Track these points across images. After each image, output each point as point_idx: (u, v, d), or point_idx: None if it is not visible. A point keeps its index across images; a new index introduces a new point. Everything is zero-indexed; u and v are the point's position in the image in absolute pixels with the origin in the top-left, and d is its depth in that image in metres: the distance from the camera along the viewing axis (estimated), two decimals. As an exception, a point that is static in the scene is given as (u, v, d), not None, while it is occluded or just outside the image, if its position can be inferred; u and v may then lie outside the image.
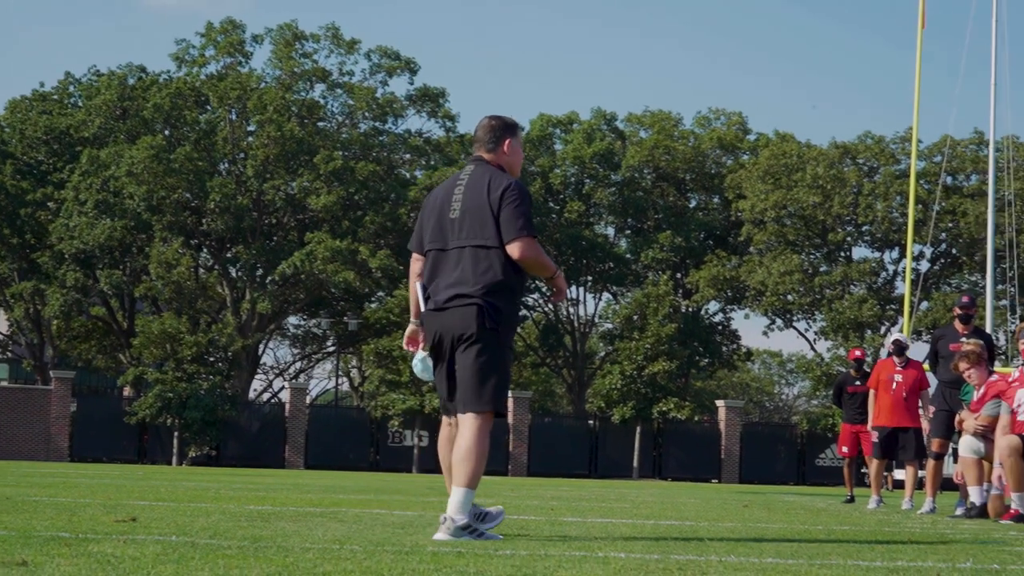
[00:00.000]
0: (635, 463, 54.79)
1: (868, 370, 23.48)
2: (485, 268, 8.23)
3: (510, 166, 8.61)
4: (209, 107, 58.48)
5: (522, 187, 8.41)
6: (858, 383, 22.84)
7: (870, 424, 19.36)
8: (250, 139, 57.47)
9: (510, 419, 53.28)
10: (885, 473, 26.74)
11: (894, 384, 18.91)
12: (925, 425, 18.56)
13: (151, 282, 54.98)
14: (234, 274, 57.78)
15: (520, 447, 53.35)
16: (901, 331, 41.19)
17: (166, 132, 57.69)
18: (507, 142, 8.63)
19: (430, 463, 51.18)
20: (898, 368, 19.03)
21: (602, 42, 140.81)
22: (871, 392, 19.38)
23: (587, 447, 55.33)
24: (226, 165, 58.35)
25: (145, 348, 53.01)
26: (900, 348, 19.35)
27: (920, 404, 18.76)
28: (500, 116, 8.76)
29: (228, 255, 57.64)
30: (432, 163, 59.65)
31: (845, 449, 23.24)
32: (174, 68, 59.18)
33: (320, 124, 59.31)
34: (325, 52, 59.06)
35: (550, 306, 64.21)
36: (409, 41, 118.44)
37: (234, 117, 57.53)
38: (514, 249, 8.17)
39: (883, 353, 48.89)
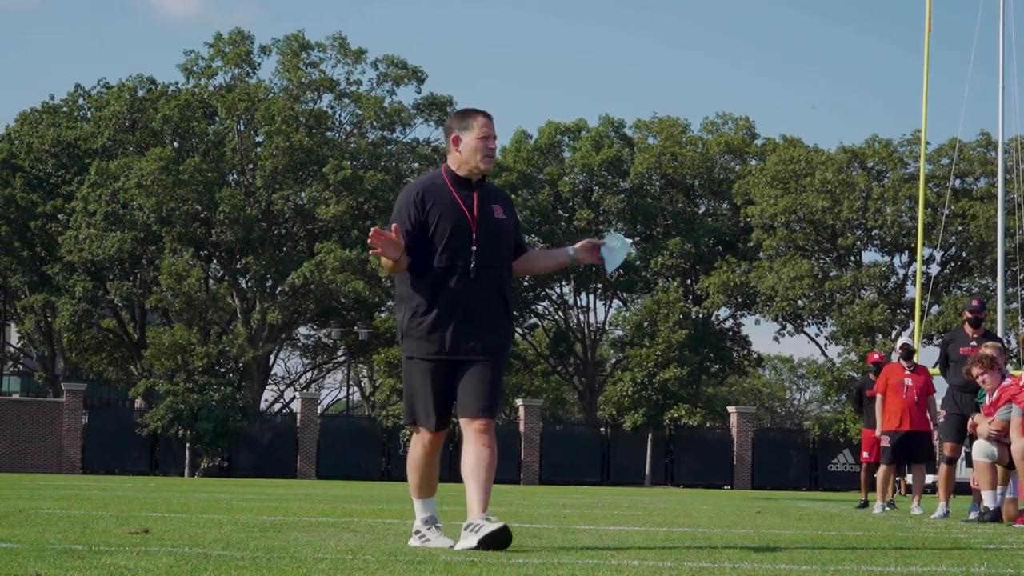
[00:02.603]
0: (647, 470, 54.74)
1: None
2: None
3: (465, 162, 8.08)
4: (217, 118, 58.55)
5: (403, 193, 8.16)
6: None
7: (879, 429, 19.33)
8: (259, 150, 57.52)
9: (521, 427, 53.30)
10: (897, 478, 26.63)
11: (904, 388, 18.89)
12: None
13: (161, 293, 55.02)
14: (244, 285, 57.82)
15: (532, 455, 53.33)
16: (912, 335, 41.14)
17: (175, 143, 57.77)
18: (453, 138, 8.14)
19: (442, 472, 51.05)
20: (907, 372, 19.01)
21: (609, 49, 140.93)
22: (879, 397, 19.35)
23: (599, 454, 55.30)
24: (235, 176, 58.40)
25: (156, 360, 53.06)
26: (908, 352, 19.35)
27: (928, 409, 18.76)
28: (462, 109, 8.31)
29: (238, 266, 57.69)
30: (440, 172, 59.71)
31: (866, 454, 23.09)
32: (182, 79, 59.34)
33: (328, 134, 59.36)
34: (332, 62, 59.15)
35: (560, 314, 64.21)
36: (416, 50, 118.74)
37: (242, 128, 57.61)
38: None
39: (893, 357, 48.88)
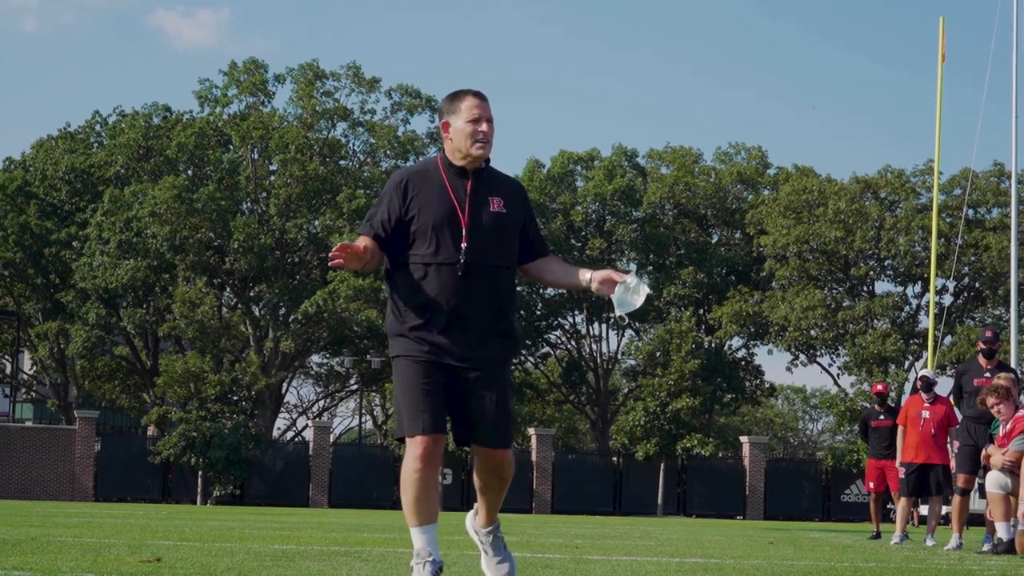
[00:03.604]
0: (659, 500, 54.62)
1: (892, 404, 23.45)
2: None
3: (457, 149, 7.41)
4: (232, 146, 58.69)
5: (389, 181, 7.52)
6: (882, 417, 22.76)
7: (898, 461, 19.31)
8: (272, 178, 57.63)
9: (533, 456, 53.24)
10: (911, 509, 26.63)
11: (921, 420, 18.88)
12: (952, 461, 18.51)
13: (174, 321, 55.07)
14: (257, 313, 57.88)
15: (544, 484, 53.25)
16: (925, 366, 41.06)
17: (189, 172, 57.91)
18: (443, 124, 7.49)
19: (454, 501, 51.10)
20: (926, 404, 19.00)
21: (622, 79, 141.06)
22: (899, 428, 19.34)
23: (611, 484, 55.21)
24: (249, 204, 58.51)
25: (169, 387, 53.09)
26: (928, 384, 19.33)
27: (948, 440, 18.73)
28: (452, 92, 7.60)
29: (251, 294, 57.75)
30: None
31: (871, 484, 23.13)
32: (197, 108, 59.50)
33: (342, 163, 59.46)
34: (346, 91, 59.27)
35: (573, 343, 64.17)
36: (430, 79, 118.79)
37: (256, 156, 57.73)
38: None
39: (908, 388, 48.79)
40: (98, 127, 61.78)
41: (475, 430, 7.35)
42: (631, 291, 7.44)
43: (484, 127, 7.33)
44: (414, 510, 7.26)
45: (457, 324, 7.22)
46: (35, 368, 65.84)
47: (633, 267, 63.52)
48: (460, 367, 7.24)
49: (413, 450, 7.18)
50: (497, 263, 7.33)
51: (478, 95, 7.39)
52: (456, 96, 7.42)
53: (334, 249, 7.06)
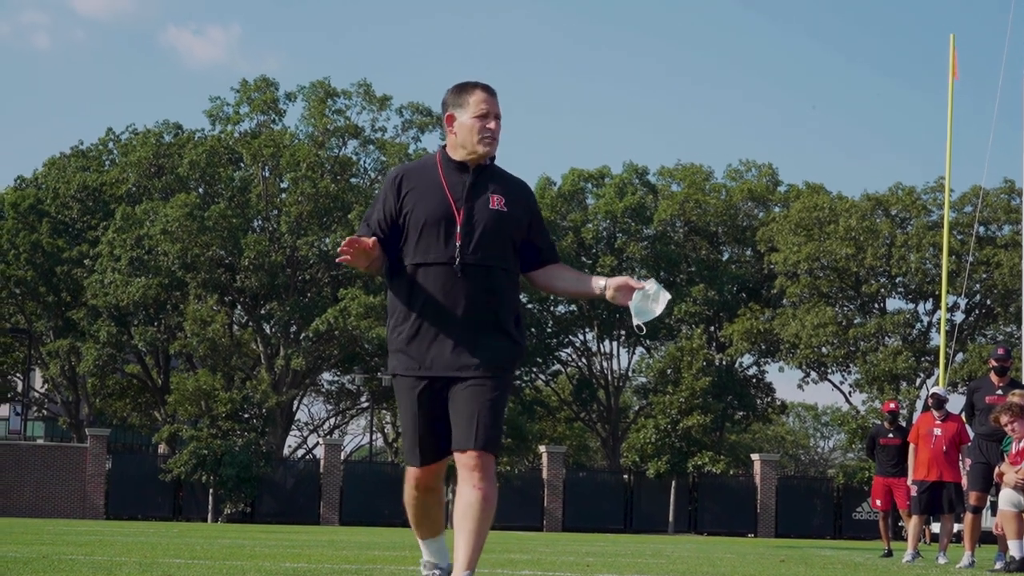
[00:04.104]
0: (671, 517, 54.55)
1: (902, 423, 23.39)
2: None
3: (461, 145, 6.96)
4: (243, 164, 58.77)
5: (385, 180, 7.06)
6: (891, 435, 22.69)
7: (910, 479, 19.27)
8: (283, 196, 57.70)
9: (544, 474, 53.19)
10: (923, 527, 26.54)
11: (933, 438, 18.83)
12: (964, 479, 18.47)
13: (186, 339, 55.12)
14: (268, 331, 57.92)
15: (555, 502, 53.20)
16: (937, 383, 41.02)
17: (200, 189, 58.00)
18: (447, 117, 7.04)
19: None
20: (937, 422, 18.95)
21: (633, 96, 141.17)
22: (911, 446, 19.31)
23: (622, 502, 55.15)
24: (260, 222, 58.58)
25: (180, 405, 53.12)
26: (939, 401, 19.28)
27: (960, 458, 18.68)
28: (457, 84, 7.12)
29: (262, 312, 57.81)
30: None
31: (879, 502, 23.07)
32: (208, 125, 59.59)
33: (353, 180, 59.51)
34: (357, 109, 59.33)
35: (584, 361, 64.16)
36: (440, 97, 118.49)
37: (268, 174, 57.80)
38: None
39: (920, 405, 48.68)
40: (110, 145, 61.93)
41: (456, 435, 6.79)
42: (650, 298, 6.90)
43: (492, 124, 6.92)
44: (416, 526, 7.24)
45: (450, 328, 6.75)
46: (46, 386, 65.92)
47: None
48: (453, 376, 6.77)
49: (410, 478, 7.05)
50: (492, 263, 6.81)
51: (487, 89, 6.98)
52: (463, 88, 6.99)
53: (343, 244, 6.68)
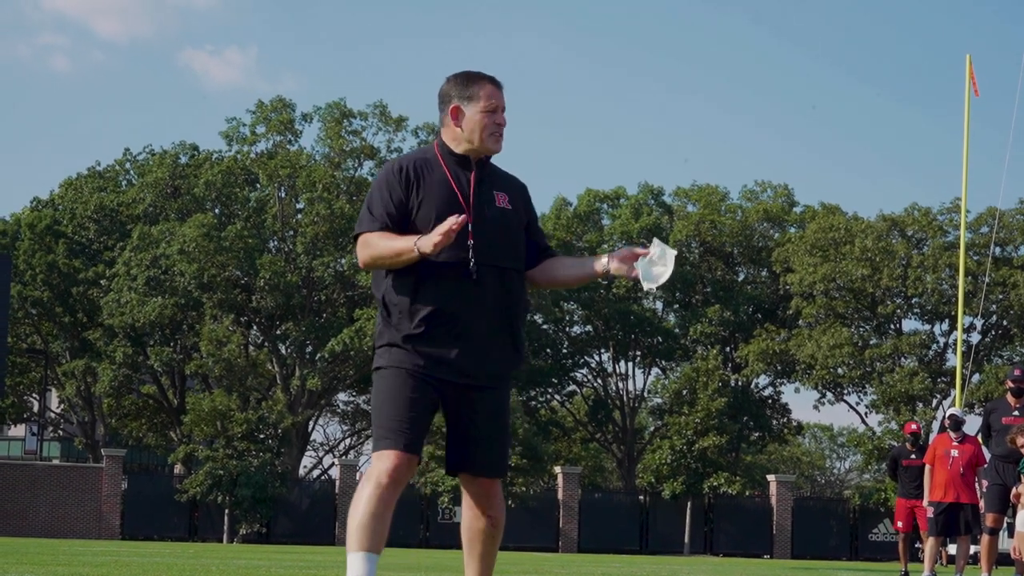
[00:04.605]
0: (686, 539, 54.43)
1: (924, 444, 23.35)
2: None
3: (466, 140, 6.51)
4: (259, 185, 58.87)
5: (382, 171, 6.54)
6: (913, 456, 22.63)
7: (926, 500, 19.23)
8: (300, 216, 57.77)
9: (560, 495, 53.12)
10: (940, 548, 26.50)
11: (950, 459, 18.80)
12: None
13: (201, 359, 55.19)
14: (284, 351, 57.95)
15: (570, 523, 53.12)
16: (953, 404, 40.92)
17: (216, 210, 58.11)
18: (452, 109, 6.53)
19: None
20: (954, 443, 18.92)
21: (648, 117, 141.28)
22: (927, 467, 19.27)
23: (638, 523, 55.04)
24: (276, 242, 58.65)
25: (195, 425, 53.15)
26: (956, 423, 19.25)
27: (976, 479, 18.65)
28: (461, 72, 6.62)
29: (278, 332, 57.84)
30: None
31: (900, 524, 22.99)
32: (224, 146, 59.68)
33: (369, 201, 59.48)
34: (373, 129, 59.36)
35: (599, 381, 64.10)
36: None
37: (284, 195, 57.89)
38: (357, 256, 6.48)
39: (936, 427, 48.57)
40: (127, 165, 62.12)
41: (469, 456, 6.42)
42: (656, 262, 6.50)
43: (501, 119, 6.52)
44: (365, 530, 6.20)
45: (461, 333, 6.32)
46: (62, 406, 66.07)
47: (659, 306, 63.43)
48: (460, 383, 6.35)
49: (382, 464, 6.22)
50: (507, 264, 6.44)
51: (495, 82, 6.55)
52: (471, 80, 6.52)
53: (449, 229, 6.08)
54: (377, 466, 6.23)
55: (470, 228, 6.31)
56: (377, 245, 6.30)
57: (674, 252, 6.54)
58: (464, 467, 6.44)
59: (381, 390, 6.33)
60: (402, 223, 6.36)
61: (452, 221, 6.10)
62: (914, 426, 23.49)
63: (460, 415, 6.41)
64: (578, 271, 6.74)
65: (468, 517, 6.52)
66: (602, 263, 6.59)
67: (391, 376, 6.31)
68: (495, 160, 6.63)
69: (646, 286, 6.54)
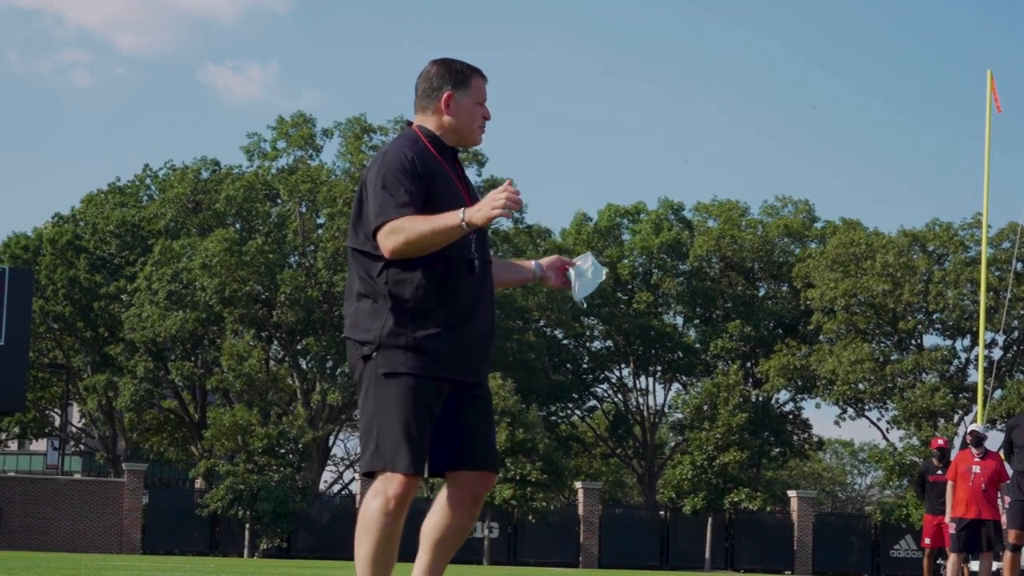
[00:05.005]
0: (707, 554, 54.32)
1: (952, 459, 23.27)
2: (350, 281, 6.28)
3: (456, 130, 6.23)
4: (280, 200, 58.97)
5: (391, 159, 6.07)
6: (940, 472, 22.53)
7: (948, 516, 19.17)
8: (320, 231, 57.86)
9: (580, 510, 53.06)
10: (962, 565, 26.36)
11: (972, 475, 18.74)
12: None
13: (222, 374, 55.28)
14: (304, 366, 58.02)
15: (591, 538, 53.05)
16: (975, 420, 40.79)
17: (237, 225, 58.21)
18: (445, 97, 6.20)
19: (501, 555, 51.01)
20: (976, 459, 18.86)
21: (668, 132, 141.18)
22: (949, 484, 19.21)
23: (658, 538, 54.95)
24: (296, 257, 58.74)
25: (216, 440, 53.21)
26: (978, 439, 19.18)
27: (999, 495, 18.59)
28: (449, 60, 6.30)
29: (298, 347, 57.91)
30: (500, 253, 59.87)
31: (928, 540, 22.84)
32: (245, 161, 59.80)
33: (389, 216, 59.54)
34: (393, 145, 59.35)
35: (620, 397, 64.05)
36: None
37: (304, 210, 57.98)
38: (380, 247, 6.01)
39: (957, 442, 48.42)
40: (148, 180, 62.29)
41: (469, 452, 6.11)
42: (584, 274, 6.39)
43: (488, 112, 6.30)
44: (376, 560, 6.17)
45: (473, 331, 6.07)
46: (84, 421, 66.21)
47: (680, 321, 63.35)
48: (466, 382, 6.11)
49: (391, 488, 5.96)
50: (488, 259, 6.23)
51: (484, 75, 6.30)
52: (466, 71, 6.23)
53: (514, 194, 5.78)
54: (386, 489, 5.98)
55: None
56: (413, 228, 5.84)
57: (604, 269, 6.47)
58: (464, 464, 6.12)
59: (394, 398, 5.94)
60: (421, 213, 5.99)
61: (509, 188, 5.78)
62: (940, 441, 23.34)
63: (461, 414, 6.11)
64: (511, 275, 6.57)
65: (448, 517, 6.21)
66: (531, 268, 6.48)
67: (406, 388, 5.94)
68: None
69: (577, 296, 6.41)
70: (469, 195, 6.15)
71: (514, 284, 6.59)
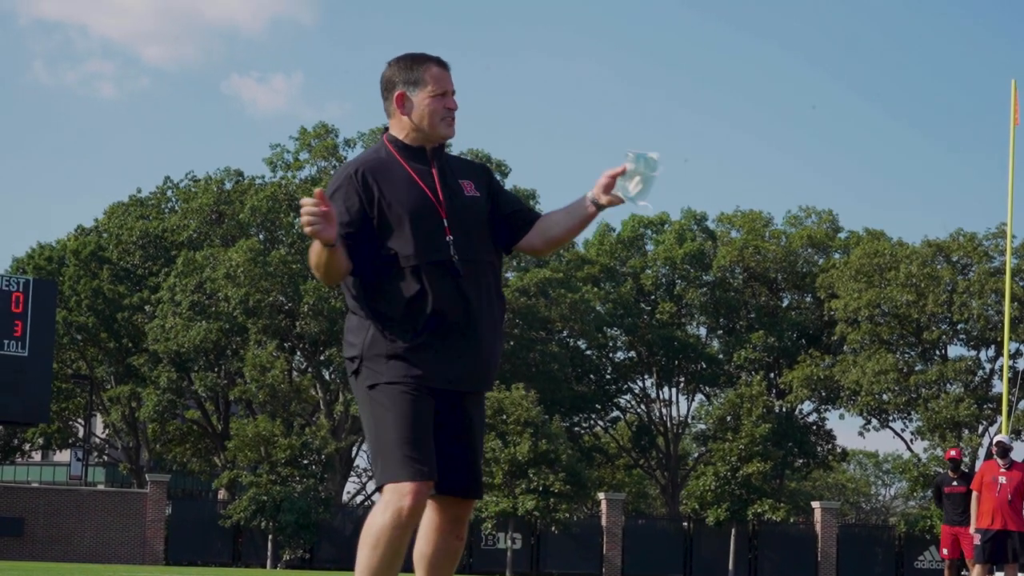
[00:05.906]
0: (730, 565, 54.17)
1: (965, 470, 23.19)
2: (345, 298, 6.18)
3: (415, 128, 6.07)
4: (303, 211, 58.97)
5: (331, 180, 6.04)
6: (955, 483, 22.49)
7: (973, 527, 19.09)
8: (343, 242, 57.82)
9: (603, 521, 52.95)
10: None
11: (998, 486, 18.67)
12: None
13: (245, 385, 55.31)
14: (327, 376, 58.02)
15: (614, 549, 52.93)
16: (1000, 431, 40.62)
17: (260, 236, 58.27)
18: (396, 96, 6.09)
19: (524, 566, 50.90)
20: (1002, 470, 18.78)
21: (691, 143, 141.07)
22: (974, 494, 19.13)
23: (681, 549, 54.80)
24: (320, 268, 58.69)
25: (239, 451, 53.23)
26: (1004, 450, 19.12)
27: (1024, 506, 18.52)
28: (402, 56, 6.18)
29: (322, 358, 57.91)
30: (523, 264, 59.81)
31: (945, 551, 22.84)
32: (268, 172, 59.86)
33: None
34: (416, 155, 59.39)
35: (643, 407, 63.93)
36: (499, 143, 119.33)
37: (327, 221, 57.93)
38: None
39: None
40: (169, 192, 62.41)
41: (458, 476, 5.98)
42: (636, 174, 6.04)
43: (452, 102, 6.09)
44: (377, 572, 5.98)
45: (461, 337, 5.91)
46: (107, 432, 66.29)
47: (703, 331, 63.20)
48: (451, 392, 5.94)
49: (399, 500, 5.78)
50: (485, 258, 6.04)
51: (441, 63, 6.12)
52: (415, 62, 6.09)
53: (310, 204, 5.63)
54: (394, 501, 5.81)
55: (446, 224, 5.93)
56: (310, 256, 5.87)
57: (655, 154, 6.06)
58: (443, 488, 5.96)
59: (383, 408, 5.83)
60: (363, 229, 5.90)
61: (306, 201, 5.64)
62: (954, 452, 23.33)
63: (448, 428, 5.95)
64: (572, 220, 6.18)
65: (435, 540, 6.10)
66: (589, 199, 6.13)
67: (396, 396, 5.82)
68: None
69: (639, 202, 6.07)
70: (444, 190, 5.99)
71: (578, 230, 6.24)
